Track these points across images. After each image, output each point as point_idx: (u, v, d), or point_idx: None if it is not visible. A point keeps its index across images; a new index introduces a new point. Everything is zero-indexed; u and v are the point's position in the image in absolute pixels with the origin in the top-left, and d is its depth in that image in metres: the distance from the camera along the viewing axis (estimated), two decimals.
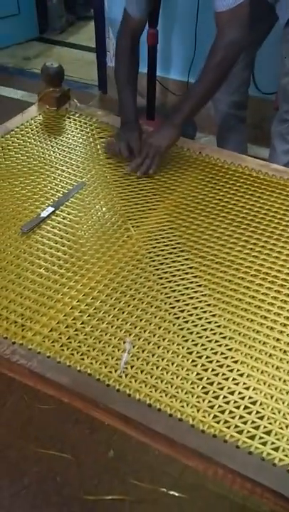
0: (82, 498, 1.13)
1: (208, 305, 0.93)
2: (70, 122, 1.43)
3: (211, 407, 0.76)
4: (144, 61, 2.25)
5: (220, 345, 0.86)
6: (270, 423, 0.75)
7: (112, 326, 0.88)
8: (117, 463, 1.19)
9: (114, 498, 1.13)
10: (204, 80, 1.21)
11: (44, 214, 1.10)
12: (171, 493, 1.14)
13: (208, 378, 0.80)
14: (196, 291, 0.95)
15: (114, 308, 0.91)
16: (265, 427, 0.74)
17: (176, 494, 1.14)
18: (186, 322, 0.90)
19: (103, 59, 2.69)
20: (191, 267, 1.00)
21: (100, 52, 2.68)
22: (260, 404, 0.77)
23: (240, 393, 0.78)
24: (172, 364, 0.83)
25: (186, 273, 0.99)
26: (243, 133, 1.99)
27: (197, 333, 0.88)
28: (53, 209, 1.12)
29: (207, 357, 0.84)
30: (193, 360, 0.83)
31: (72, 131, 1.39)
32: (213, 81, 1.21)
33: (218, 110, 1.90)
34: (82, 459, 1.19)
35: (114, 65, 1.40)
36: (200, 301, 0.93)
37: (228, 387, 0.79)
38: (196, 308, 0.92)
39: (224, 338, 0.87)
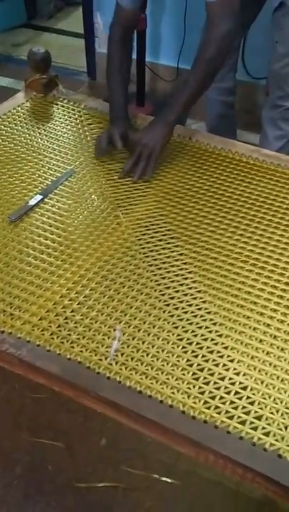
0: (75, 486, 1.13)
1: (199, 291, 0.92)
2: (58, 109, 1.41)
3: (202, 393, 0.76)
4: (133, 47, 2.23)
5: (210, 332, 0.85)
6: (261, 408, 0.75)
7: (102, 314, 0.88)
8: (109, 451, 1.19)
9: (106, 485, 1.13)
10: (197, 74, 1.17)
11: (32, 202, 1.09)
12: (164, 479, 1.14)
13: (198, 364, 0.80)
14: (186, 278, 0.95)
15: (104, 296, 0.91)
16: (255, 412, 0.74)
17: (169, 481, 1.15)
18: (177, 309, 0.89)
19: (92, 45, 2.65)
20: (181, 254, 1.00)
21: (88, 38, 2.65)
22: (251, 389, 0.77)
23: (230, 379, 0.78)
24: (162, 351, 0.82)
25: (176, 260, 0.99)
26: (232, 118, 1.98)
27: (187, 319, 0.87)
28: (41, 197, 1.11)
29: (197, 343, 0.83)
30: (183, 347, 0.83)
31: (60, 118, 1.37)
32: (206, 75, 1.18)
33: (207, 97, 1.88)
34: (75, 448, 1.19)
35: (107, 58, 1.34)
36: (190, 288, 0.93)
37: (219, 373, 0.79)
38: (186, 295, 0.92)
39: (214, 324, 0.87)
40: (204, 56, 1.15)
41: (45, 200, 1.11)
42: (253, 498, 1.11)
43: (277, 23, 1.58)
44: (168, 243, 1.02)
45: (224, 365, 0.80)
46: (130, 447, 1.19)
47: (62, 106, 1.42)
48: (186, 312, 0.89)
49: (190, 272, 0.96)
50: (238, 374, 0.79)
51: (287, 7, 1.52)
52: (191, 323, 0.87)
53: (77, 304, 0.89)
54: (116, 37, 1.32)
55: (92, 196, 1.13)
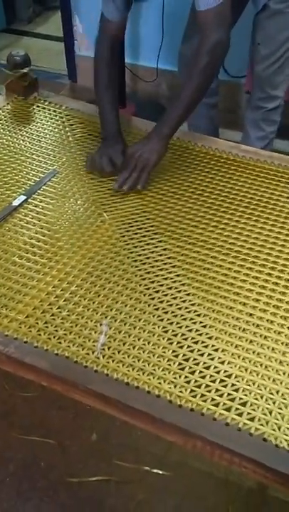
0: (67, 481, 1.14)
1: (183, 285, 0.94)
2: (39, 110, 1.42)
3: (188, 382, 0.78)
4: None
5: (194, 323, 0.87)
6: (245, 395, 0.76)
7: (88, 310, 0.89)
8: (101, 446, 1.20)
9: (99, 479, 1.15)
10: (190, 87, 1.14)
11: (16, 203, 1.10)
12: (155, 471, 1.16)
13: (184, 355, 0.82)
14: (170, 272, 0.96)
15: (90, 292, 0.92)
16: (240, 398, 0.76)
17: (161, 472, 1.16)
18: (161, 302, 0.91)
19: (71, 47, 2.67)
20: (164, 249, 1.01)
21: (67, 41, 2.66)
22: (235, 377, 0.79)
23: (215, 367, 0.80)
24: (148, 343, 0.84)
25: (160, 255, 1.00)
26: (215, 119, 2.00)
27: (172, 312, 0.89)
28: (25, 197, 1.12)
29: (182, 334, 0.85)
30: (168, 339, 0.84)
31: (42, 120, 1.38)
32: (200, 87, 1.15)
33: None
34: (67, 444, 1.21)
35: (94, 72, 1.30)
36: (174, 282, 0.95)
37: (204, 363, 0.81)
38: (170, 288, 0.93)
39: (199, 315, 0.89)
40: (197, 67, 1.13)
41: (29, 200, 1.12)
42: (243, 487, 1.13)
43: (259, 25, 1.60)
44: (151, 239, 1.04)
45: (209, 354, 0.82)
46: (121, 441, 1.21)
47: (44, 108, 1.43)
48: (170, 305, 0.90)
49: (174, 266, 0.98)
50: (222, 363, 0.81)
51: (270, 9, 1.54)
52: (176, 316, 0.88)
53: (64, 301, 0.91)
54: (103, 52, 1.29)
55: (76, 195, 1.14)
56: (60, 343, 0.84)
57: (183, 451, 1.07)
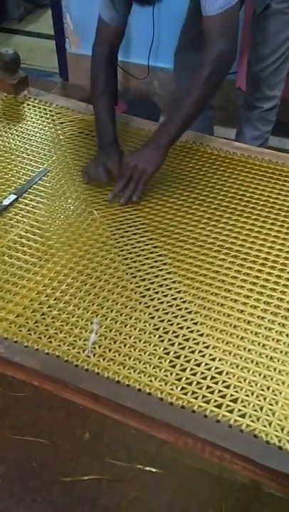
0: (60, 480, 1.14)
1: (174, 282, 0.94)
2: (30, 109, 1.41)
3: (179, 380, 0.78)
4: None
5: (186, 320, 0.87)
6: (236, 391, 0.76)
7: (78, 308, 0.89)
8: (93, 444, 1.20)
9: (91, 478, 1.15)
10: (192, 96, 1.09)
11: (6, 202, 1.09)
12: (148, 469, 1.16)
13: (175, 352, 0.82)
14: (160, 270, 0.96)
15: (81, 291, 0.92)
16: (231, 395, 0.76)
17: (154, 470, 1.16)
18: (152, 300, 0.91)
19: (62, 45, 2.65)
20: (155, 246, 1.01)
21: (58, 39, 2.65)
22: (226, 373, 0.79)
23: (206, 364, 0.80)
24: (139, 341, 0.84)
25: (151, 252, 1.00)
26: (212, 119, 1.98)
27: (163, 309, 0.89)
28: (15, 196, 1.11)
29: (173, 332, 0.85)
30: (160, 336, 0.84)
31: (32, 118, 1.38)
32: (201, 98, 1.10)
33: None
34: (59, 443, 1.20)
35: (90, 79, 1.26)
36: (165, 279, 0.94)
37: (195, 360, 0.81)
38: (161, 285, 0.93)
39: (190, 312, 0.88)
40: (200, 77, 1.07)
41: (20, 199, 1.11)
42: (235, 483, 1.13)
43: (259, 25, 1.56)
44: (142, 236, 1.03)
45: (200, 351, 0.82)
46: (113, 439, 1.21)
47: (34, 106, 1.42)
48: (161, 302, 0.90)
49: (165, 264, 0.97)
50: (213, 359, 0.81)
51: (271, 9, 1.51)
52: (166, 313, 0.88)
53: (54, 300, 0.90)
54: (101, 57, 1.24)
55: (66, 194, 1.13)
56: (50, 342, 0.84)
57: (175, 449, 1.07)
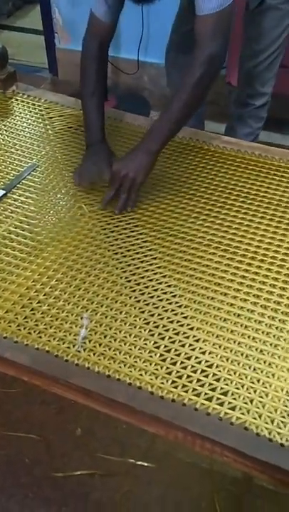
0: (52, 476, 1.14)
1: (164, 276, 0.94)
2: (18, 104, 1.40)
3: (169, 373, 0.78)
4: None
5: (176, 314, 0.87)
6: (227, 384, 0.77)
7: (68, 303, 0.88)
8: (85, 440, 1.20)
9: (83, 473, 1.15)
10: (182, 99, 1.05)
11: None
12: (140, 463, 1.16)
13: (165, 346, 0.82)
14: (151, 264, 0.96)
15: (70, 286, 0.92)
16: (221, 388, 0.76)
17: (146, 464, 1.16)
18: (143, 294, 0.90)
19: (52, 41, 2.64)
20: (145, 241, 1.01)
21: (47, 34, 2.63)
22: (217, 366, 0.79)
23: (196, 358, 0.80)
24: (130, 335, 0.84)
25: (141, 247, 1.00)
26: (202, 115, 1.96)
27: (153, 304, 0.89)
28: (4, 192, 1.10)
29: (164, 326, 0.85)
30: (150, 330, 0.84)
31: (21, 113, 1.37)
32: (192, 101, 1.07)
33: None
34: (51, 439, 1.20)
35: (80, 75, 1.23)
36: (155, 273, 0.94)
37: (185, 353, 0.81)
38: (151, 280, 0.93)
39: (180, 306, 0.88)
40: (190, 79, 1.04)
41: (8, 194, 1.11)
42: (227, 476, 1.13)
43: (253, 20, 1.55)
44: (132, 231, 1.03)
45: (190, 345, 0.82)
46: (105, 435, 1.21)
47: (22, 101, 1.41)
48: (152, 297, 0.90)
49: (155, 258, 0.97)
50: (203, 353, 0.81)
51: (266, 4, 1.48)
52: (157, 307, 0.88)
53: (44, 295, 0.90)
54: (91, 53, 1.22)
55: (55, 189, 1.13)
56: (40, 337, 0.83)
57: (167, 443, 1.08)
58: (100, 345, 0.82)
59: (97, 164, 1.12)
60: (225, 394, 0.75)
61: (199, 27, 1.05)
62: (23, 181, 1.14)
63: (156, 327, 0.85)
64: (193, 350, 0.81)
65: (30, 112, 1.37)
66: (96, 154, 1.15)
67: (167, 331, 0.84)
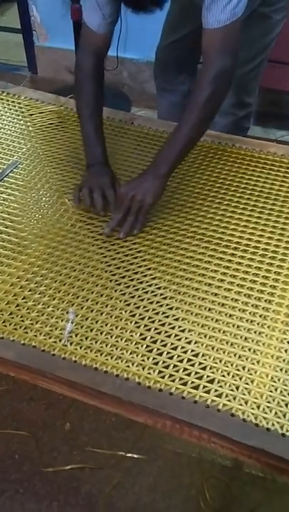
0: (42, 471, 1.14)
1: (149, 269, 0.95)
2: None
3: (156, 364, 0.79)
4: (70, 38, 2.22)
5: (161, 306, 0.88)
6: (213, 372, 0.78)
7: (54, 299, 0.89)
8: (74, 434, 1.21)
9: (73, 467, 1.15)
10: (191, 120, 1.00)
11: None
12: (129, 455, 1.17)
13: (151, 337, 0.83)
14: (135, 257, 0.97)
15: (55, 281, 0.92)
16: (208, 376, 0.77)
17: (135, 456, 1.17)
18: (128, 287, 0.91)
19: (30, 38, 2.62)
20: (129, 235, 1.01)
21: (26, 32, 2.61)
22: (202, 355, 0.80)
23: (182, 348, 0.81)
24: (116, 328, 0.84)
25: (125, 241, 1.00)
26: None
27: (139, 296, 0.89)
28: None
29: (149, 317, 0.86)
30: (136, 322, 0.85)
31: (1, 111, 1.36)
32: (202, 120, 1.02)
33: (161, 102, 1.77)
34: (40, 435, 1.21)
35: (75, 92, 1.17)
36: (140, 266, 0.95)
37: (171, 344, 0.82)
38: (136, 273, 0.94)
39: (165, 298, 0.89)
40: (199, 99, 0.99)
41: None
42: (215, 464, 1.15)
43: (243, 28, 1.44)
44: None
45: (176, 335, 0.83)
46: (94, 428, 1.21)
47: (2, 99, 1.41)
48: (137, 289, 0.91)
49: (139, 251, 0.98)
50: (189, 342, 0.82)
51: (256, 12, 1.39)
52: (142, 300, 0.89)
53: (29, 291, 0.90)
54: (87, 69, 1.13)
55: (38, 185, 1.13)
56: (26, 332, 0.83)
57: (156, 434, 1.09)
58: (86, 338, 0.83)
59: (101, 189, 1.06)
60: (211, 382, 0.76)
61: (208, 41, 0.99)
62: (6, 178, 1.14)
63: (142, 319, 0.86)
64: (179, 340, 0.82)
65: (11, 109, 1.37)
66: (100, 177, 1.08)
67: (153, 322, 0.85)
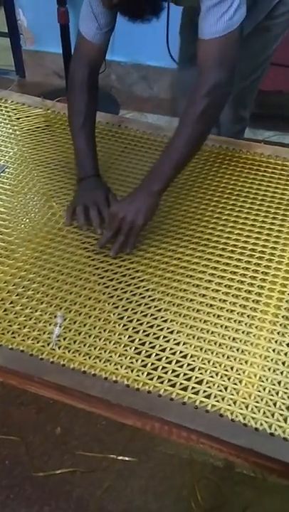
0: (32, 476, 1.14)
1: (136, 271, 0.95)
2: None
3: (144, 366, 0.79)
4: (57, 42, 2.22)
5: (149, 308, 0.88)
6: (201, 373, 0.78)
7: (41, 303, 0.89)
8: (65, 438, 1.20)
9: (64, 471, 1.15)
10: (185, 135, 0.97)
11: None
12: (121, 458, 1.17)
13: (139, 339, 0.83)
14: (123, 260, 0.97)
15: (43, 285, 0.92)
16: (196, 377, 0.77)
17: (126, 459, 1.17)
18: (116, 290, 0.91)
19: (17, 42, 2.62)
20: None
21: (13, 36, 2.61)
22: (191, 356, 0.80)
23: (171, 349, 0.81)
24: (104, 331, 0.84)
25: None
26: None
27: (127, 299, 0.89)
28: None
29: (138, 320, 0.86)
30: (124, 325, 0.85)
31: None
32: (196, 135, 0.98)
33: None
34: (30, 439, 1.20)
35: (68, 103, 1.14)
36: (128, 269, 0.95)
37: (160, 345, 0.82)
38: (124, 275, 0.94)
39: (153, 300, 0.89)
40: (193, 115, 0.95)
41: None
42: (206, 465, 1.15)
43: (243, 41, 1.34)
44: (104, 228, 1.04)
45: (164, 337, 0.83)
46: (85, 432, 1.21)
47: None
48: (125, 292, 0.91)
49: (128, 254, 0.98)
50: (178, 344, 0.82)
51: (259, 26, 1.29)
52: (130, 302, 0.89)
53: (16, 295, 0.90)
54: (80, 79, 1.11)
55: (25, 189, 1.13)
56: (14, 337, 0.83)
57: (147, 437, 1.09)
58: (74, 342, 0.82)
59: (96, 205, 1.03)
60: (200, 383, 0.76)
61: (203, 52, 0.95)
62: None
63: (131, 321, 0.86)
64: (168, 341, 0.82)
65: None
66: (93, 192, 1.06)
67: (141, 324, 0.85)
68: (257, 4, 0.99)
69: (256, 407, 0.74)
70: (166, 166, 0.98)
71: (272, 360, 0.80)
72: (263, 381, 0.77)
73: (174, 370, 0.78)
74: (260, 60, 1.42)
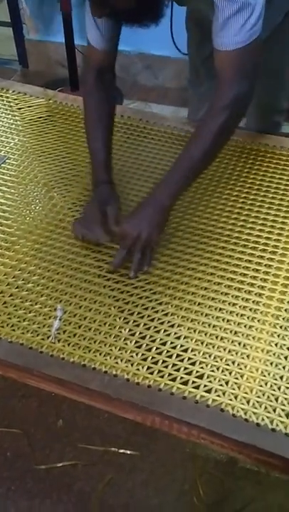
0: (34, 469, 1.14)
1: None
2: None
3: (144, 360, 0.78)
4: (60, 31, 2.19)
5: (150, 301, 0.87)
6: (202, 367, 0.77)
7: (41, 296, 0.88)
8: (67, 431, 1.20)
9: (65, 464, 1.15)
10: (202, 148, 0.92)
11: None
12: (122, 451, 1.16)
13: (140, 333, 0.82)
14: None
15: (43, 278, 0.91)
16: (197, 371, 0.76)
17: (128, 452, 1.17)
18: (117, 283, 0.90)
19: (20, 32, 2.59)
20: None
21: (15, 26, 2.58)
22: (192, 350, 0.79)
23: (171, 343, 0.80)
24: (104, 324, 0.83)
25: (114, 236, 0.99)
26: None
27: (128, 291, 0.88)
28: None
29: (138, 313, 0.85)
30: (124, 318, 0.84)
31: None
32: (214, 148, 0.94)
33: None
34: (32, 432, 1.20)
35: (83, 109, 1.12)
36: (129, 262, 0.94)
37: (160, 339, 0.81)
38: (125, 268, 0.92)
39: (154, 293, 0.88)
40: (212, 126, 0.91)
41: None
42: (209, 459, 1.14)
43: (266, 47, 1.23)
44: None
45: (165, 331, 0.82)
46: (87, 425, 1.21)
47: None
48: (126, 285, 0.90)
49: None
50: (178, 338, 0.81)
51: (279, 27, 1.19)
52: (131, 295, 0.88)
53: (16, 288, 0.89)
54: (91, 87, 1.09)
55: (26, 180, 1.11)
56: (14, 330, 0.82)
57: (149, 430, 1.08)
58: (74, 335, 0.82)
59: (104, 217, 0.98)
60: (200, 377, 0.75)
61: (222, 64, 0.90)
62: None
63: (131, 314, 0.84)
64: (168, 335, 0.81)
65: None
66: (105, 198, 1.01)
67: (142, 318, 0.84)
68: (272, 3, 0.94)
69: (258, 402, 0.73)
70: (178, 179, 0.94)
71: (274, 354, 0.78)
72: (264, 376, 0.76)
73: (174, 364, 0.77)
74: (281, 69, 1.29)
